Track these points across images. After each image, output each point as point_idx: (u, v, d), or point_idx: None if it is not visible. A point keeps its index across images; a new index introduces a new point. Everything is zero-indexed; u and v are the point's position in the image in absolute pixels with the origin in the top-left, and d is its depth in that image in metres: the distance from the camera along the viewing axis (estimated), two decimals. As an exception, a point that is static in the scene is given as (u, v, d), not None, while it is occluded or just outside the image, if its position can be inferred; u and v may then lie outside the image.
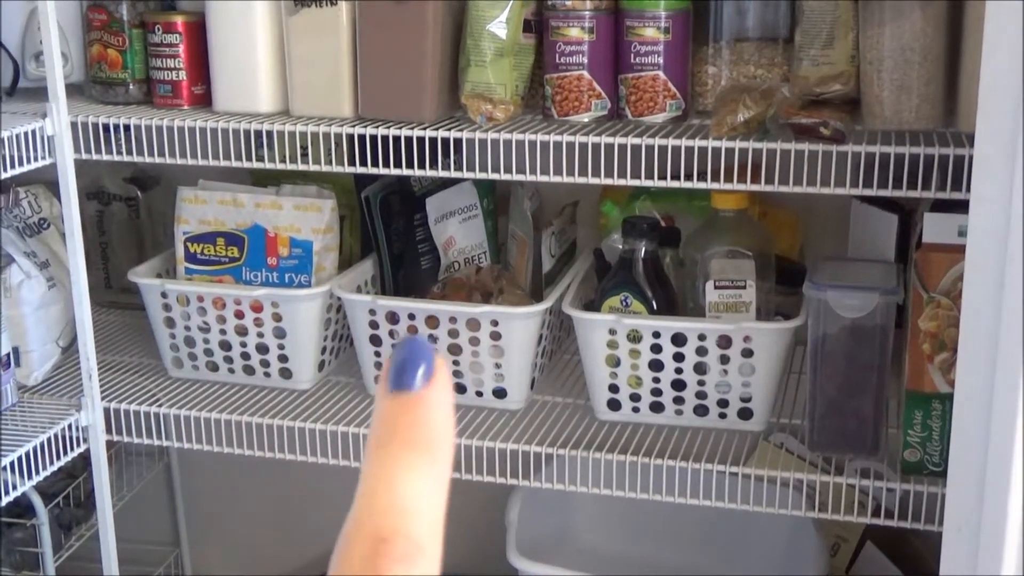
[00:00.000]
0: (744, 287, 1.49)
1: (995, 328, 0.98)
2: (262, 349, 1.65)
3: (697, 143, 1.37)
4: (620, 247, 1.57)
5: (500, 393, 1.58)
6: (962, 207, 1.34)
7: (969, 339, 1.02)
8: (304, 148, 1.52)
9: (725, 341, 1.47)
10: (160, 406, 1.62)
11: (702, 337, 1.47)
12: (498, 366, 1.56)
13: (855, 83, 1.42)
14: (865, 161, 1.34)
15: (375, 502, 0.36)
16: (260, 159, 1.55)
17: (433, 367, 0.38)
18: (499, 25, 1.45)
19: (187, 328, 1.66)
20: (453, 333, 1.54)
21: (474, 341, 1.54)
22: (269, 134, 1.58)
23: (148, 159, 1.56)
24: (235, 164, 1.53)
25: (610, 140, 1.39)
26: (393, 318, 1.56)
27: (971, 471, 1.02)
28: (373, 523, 0.35)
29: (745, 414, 1.51)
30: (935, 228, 1.36)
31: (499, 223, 1.81)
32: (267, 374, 1.67)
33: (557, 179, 1.44)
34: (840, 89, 1.42)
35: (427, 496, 0.36)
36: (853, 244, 1.62)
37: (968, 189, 1.19)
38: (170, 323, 1.67)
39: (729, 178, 1.40)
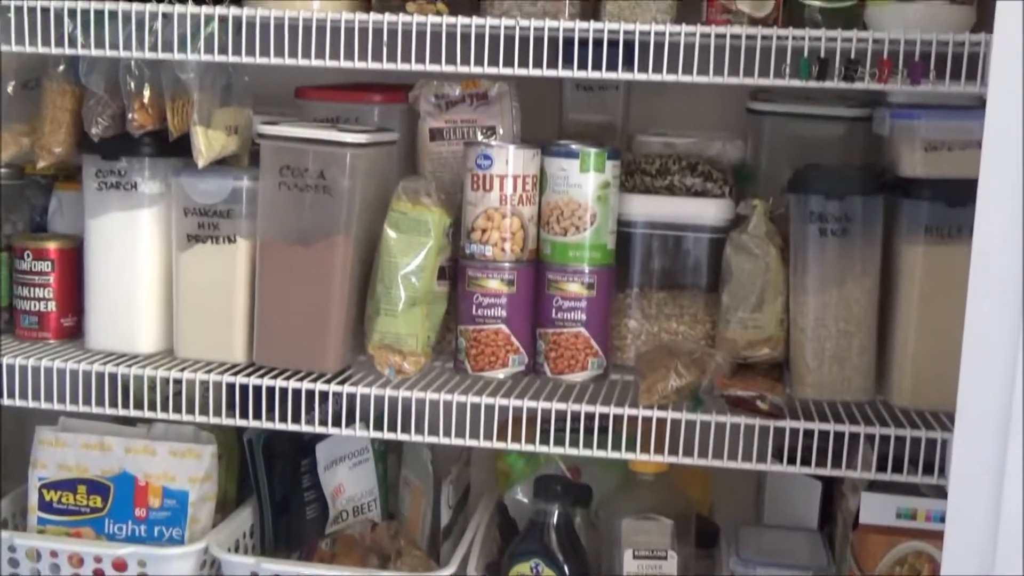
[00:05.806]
0: (665, 558, 1.40)
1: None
2: (124, 614, 1.46)
3: (627, 411, 1.29)
4: (527, 502, 1.46)
5: (396, 669, 1.43)
6: (898, 486, 1.29)
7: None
8: (179, 395, 1.38)
9: (647, 618, 1.36)
10: None
11: (623, 613, 1.36)
12: (396, 639, 1.41)
13: (784, 347, 1.37)
14: (791, 437, 1.29)
15: None
16: (127, 406, 1.39)
17: None
18: (413, 272, 1.35)
19: (37, 587, 1.46)
20: (347, 603, 1.39)
21: (370, 612, 1.39)
22: (140, 378, 1.40)
23: (7, 400, 1.39)
24: (97, 410, 1.38)
25: (532, 404, 1.30)
26: (279, 584, 1.40)
27: None
28: None
29: None
30: (873, 509, 1.30)
31: (388, 461, 1.67)
32: (128, 642, 1.47)
33: (474, 443, 1.33)
34: (768, 353, 1.37)
35: None
36: (770, 505, 1.54)
37: (900, 470, 1.21)
38: (17, 581, 1.47)
39: (646, 448, 1.31)
